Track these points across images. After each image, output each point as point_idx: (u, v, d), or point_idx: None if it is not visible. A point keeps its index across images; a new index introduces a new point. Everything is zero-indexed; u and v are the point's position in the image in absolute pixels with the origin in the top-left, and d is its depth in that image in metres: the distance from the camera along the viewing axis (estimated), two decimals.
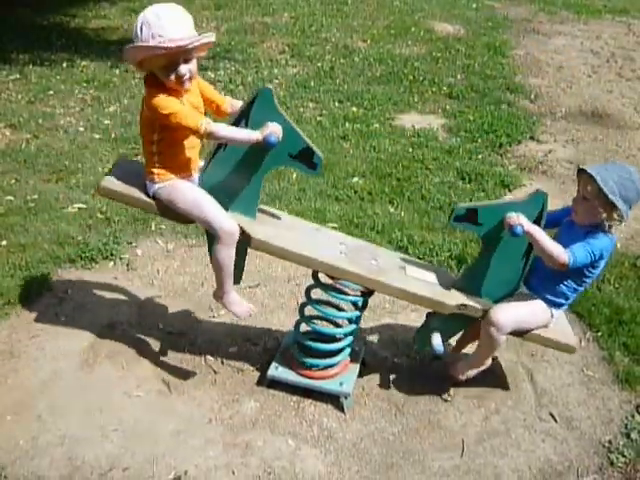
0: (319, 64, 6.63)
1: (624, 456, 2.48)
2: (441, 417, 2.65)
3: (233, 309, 2.56)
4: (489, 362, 2.67)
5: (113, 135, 5.05)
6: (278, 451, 2.47)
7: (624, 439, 2.55)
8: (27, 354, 2.89)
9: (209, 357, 2.90)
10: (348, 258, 2.51)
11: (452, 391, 2.76)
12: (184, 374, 2.81)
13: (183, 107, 2.24)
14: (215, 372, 2.83)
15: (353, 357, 2.77)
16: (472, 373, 2.66)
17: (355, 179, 4.44)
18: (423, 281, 2.55)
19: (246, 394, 2.72)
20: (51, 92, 5.91)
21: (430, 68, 6.57)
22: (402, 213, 4.05)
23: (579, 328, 3.11)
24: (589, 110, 5.71)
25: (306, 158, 2.37)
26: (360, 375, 2.76)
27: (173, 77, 2.21)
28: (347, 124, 5.30)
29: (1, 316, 3.09)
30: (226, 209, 2.41)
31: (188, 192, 2.39)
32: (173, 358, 2.89)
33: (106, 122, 5.25)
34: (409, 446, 2.52)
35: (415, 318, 3.08)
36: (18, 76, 6.29)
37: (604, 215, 2.33)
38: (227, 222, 2.36)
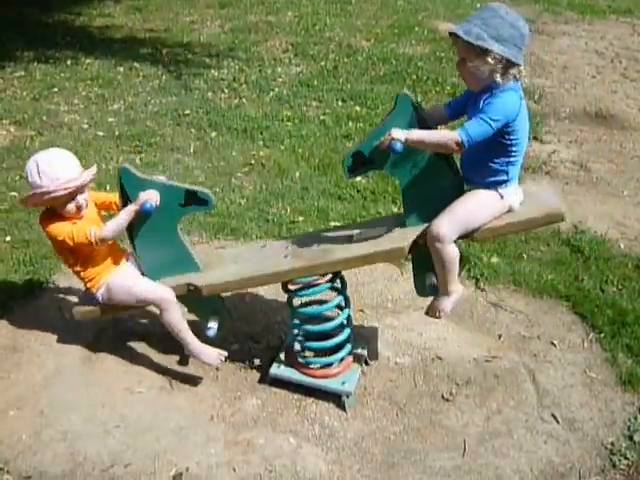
0: (322, 63, 6.63)
1: (627, 458, 2.47)
2: (442, 417, 2.64)
3: (203, 359, 2.66)
4: (460, 288, 2.49)
5: (117, 132, 5.06)
6: (279, 449, 2.47)
7: (627, 441, 2.53)
8: (30, 349, 2.90)
9: None
10: (292, 257, 2.52)
11: (454, 390, 2.76)
12: (186, 371, 2.82)
13: (73, 226, 2.41)
14: (217, 369, 2.83)
15: (355, 356, 2.77)
16: (447, 304, 2.48)
17: (358, 178, 4.43)
18: (371, 240, 2.50)
19: (248, 392, 2.73)
20: (55, 89, 5.92)
21: (434, 68, 6.55)
22: None
23: (582, 329, 3.10)
24: (593, 111, 5.68)
25: (194, 199, 2.46)
26: (362, 374, 2.76)
27: (73, 207, 2.43)
28: (350, 123, 5.29)
29: (5, 311, 3.10)
30: (172, 275, 2.57)
31: (117, 287, 2.54)
32: (175, 355, 2.90)
33: (110, 119, 5.25)
34: (410, 445, 2.52)
35: (417, 318, 3.08)
36: (23, 73, 6.31)
37: (484, 67, 2.17)
38: (159, 290, 2.53)
